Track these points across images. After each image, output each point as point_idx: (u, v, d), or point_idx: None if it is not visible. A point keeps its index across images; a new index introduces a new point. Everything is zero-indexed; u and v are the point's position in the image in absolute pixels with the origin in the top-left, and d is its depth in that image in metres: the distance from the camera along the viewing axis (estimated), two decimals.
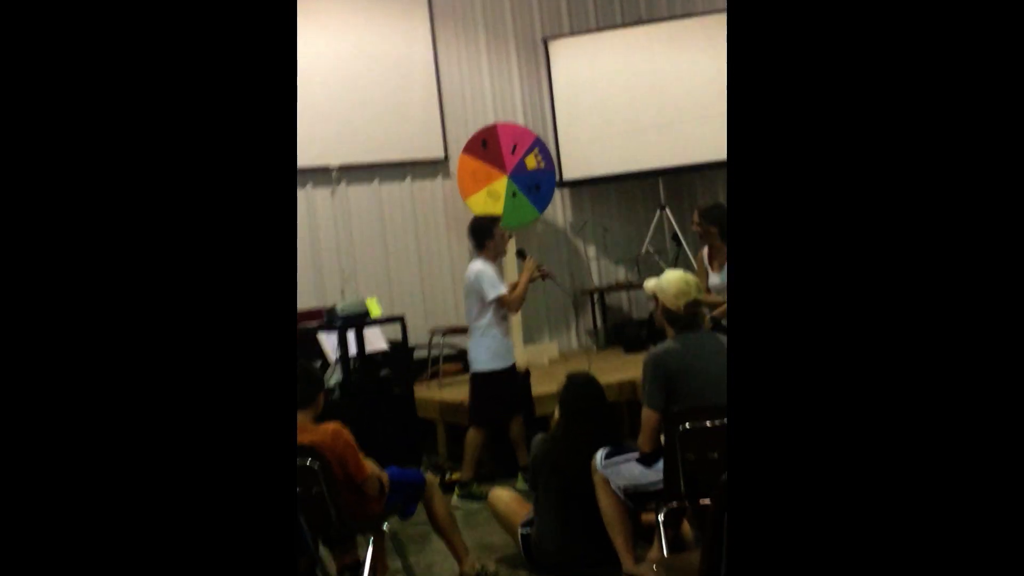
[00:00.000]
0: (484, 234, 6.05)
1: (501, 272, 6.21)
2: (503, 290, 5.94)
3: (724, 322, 5.59)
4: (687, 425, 3.77)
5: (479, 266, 5.99)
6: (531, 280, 6.17)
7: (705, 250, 5.91)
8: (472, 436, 6.02)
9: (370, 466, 4.00)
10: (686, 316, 4.07)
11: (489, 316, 5.94)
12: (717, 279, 5.72)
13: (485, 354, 5.98)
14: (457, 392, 7.40)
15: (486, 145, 8.80)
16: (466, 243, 9.16)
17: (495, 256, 6.09)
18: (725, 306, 5.54)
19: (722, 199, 6.07)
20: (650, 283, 4.23)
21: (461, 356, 8.59)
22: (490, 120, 9.18)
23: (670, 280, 4.14)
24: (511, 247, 6.49)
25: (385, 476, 4.08)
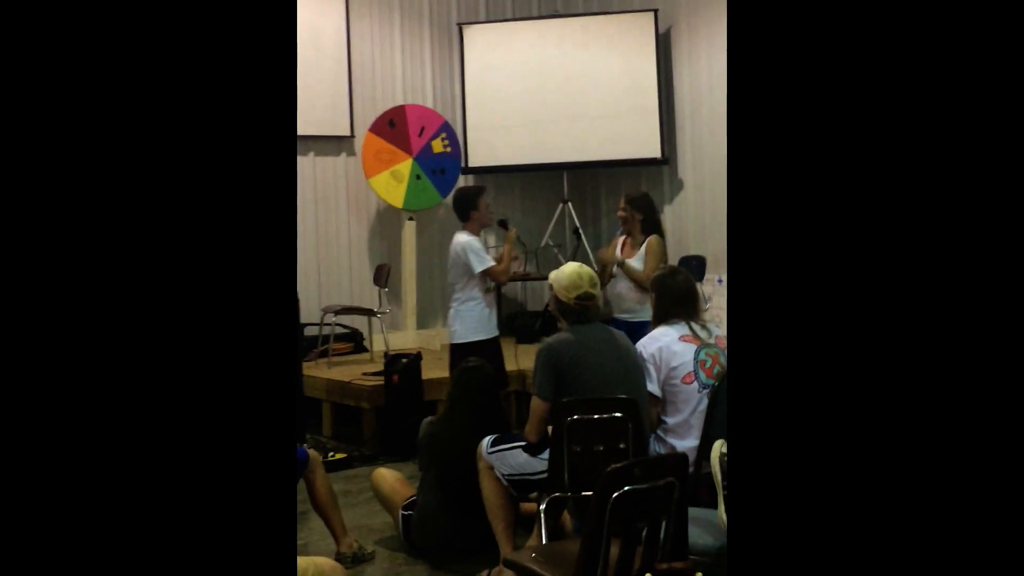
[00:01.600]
0: (468, 204, 5.92)
1: (485, 243, 6.07)
2: (491, 263, 5.83)
3: (615, 315, 5.68)
4: (575, 416, 3.79)
5: (464, 238, 5.85)
6: (512, 247, 6.10)
7: (622, 238, 5.96)
8: None
9: None
10: (577, 308, 4.09)
11: (471, 288, 5.83)
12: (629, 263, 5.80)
13: (464, 326, 5.85)
14: (346, 371, 7.34)
15: (393, 125, 8.73)
16: (365, 223, 9.12)
17: (479, 227, 5.95)
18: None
19: (623, 195, 6.12)
20: (552, 274, 4.26)
21: (353, 336, 8.53)
22: (399, 101, 9.10)
23: (565, 272, 4.17)
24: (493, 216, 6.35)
25: None
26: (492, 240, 7.85)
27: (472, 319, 5.84)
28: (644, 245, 5.78)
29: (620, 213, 5.95)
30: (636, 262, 5.77)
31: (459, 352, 5.77)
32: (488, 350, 5.82)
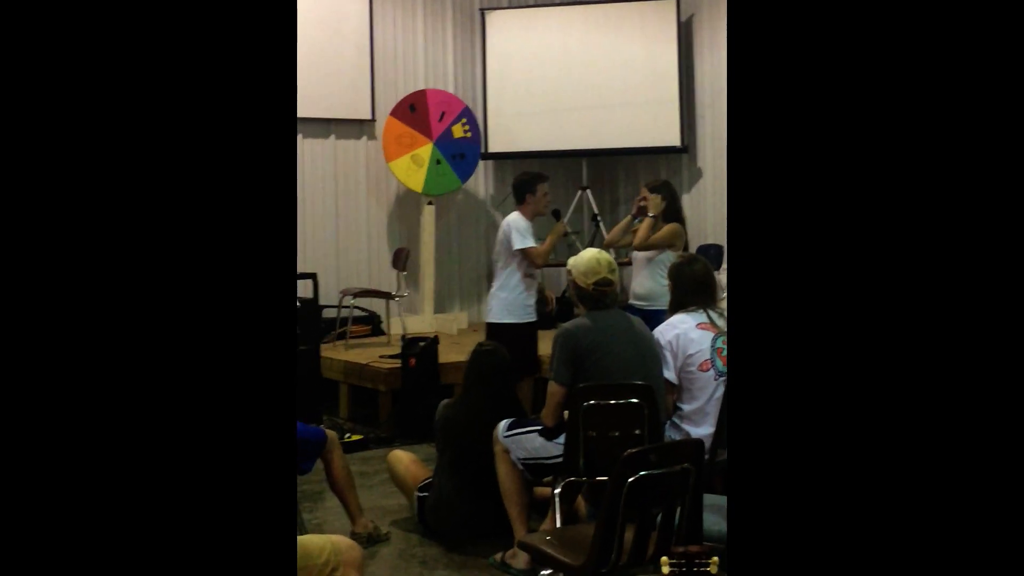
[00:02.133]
0: (525, 188, 5.93)
1: (533, 231, 5.99)
2: (531, 242, 5.81)
3: (632, 302, 5.67)
4: (591, 402, 3.80)
5: (513, 217, 5.88)
6: (558, 239, 6.09)
7: (643, 222, 5.93)
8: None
9: None
10: (595, 294, 4.10)
11: (511, 268, 5.83)
12: (644, 252, 5.78)
13: (499, 306, 5.86)
14: (363, 354, 7.38)
15: (414, 110, 8.74)
16: (385, 207, 9.13)
17: (533, 213, 5.93)
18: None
19: (644, 184, 6.09)
20: (570, 260, 4.27)
21: (370, 319, 8.56)
22: (420, 85, 9.11)
23: (583, 258, 4.18)
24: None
25: None
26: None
27: (507, 301, 5.83)
28: (666, 231, 5.74)
29: (641, 202, 5.91)
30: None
31: (492, 332, 5.77)
32: (522, 334, 5.81)
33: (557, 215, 6.43)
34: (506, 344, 5.68)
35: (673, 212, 5.85)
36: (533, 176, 6.06)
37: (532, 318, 5.92)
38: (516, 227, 5.81)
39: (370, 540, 4.44)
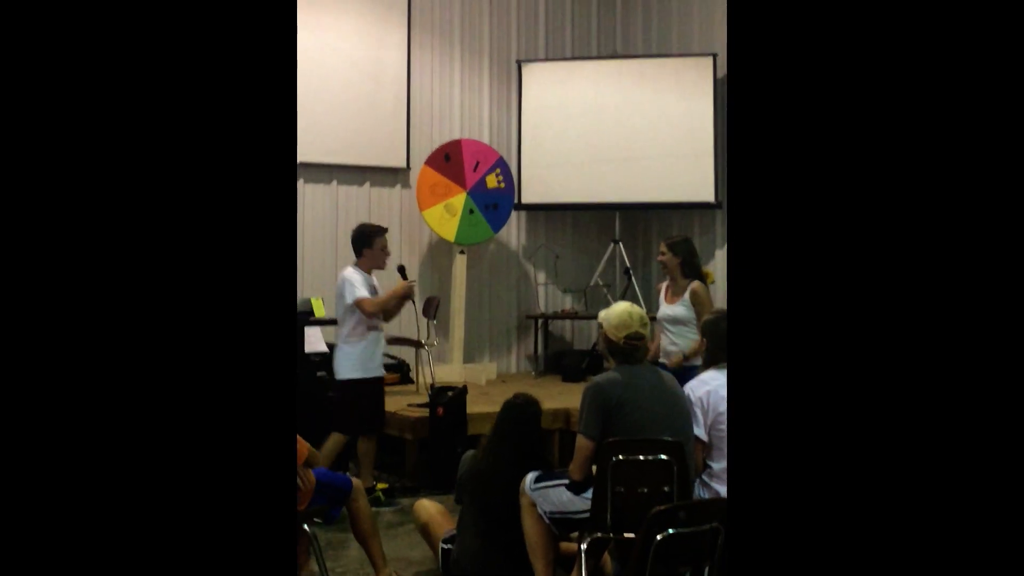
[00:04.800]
0: (363, 242, 5.94)
1: (377, 286, 6.01)
2: (362, 293, 5.78)
3: (661, 360, 5.65)
4: (620, 457, 3.77)
5: (348, 272, 5.88)
6: (401, 297, 6.03)
7: (666, 282, 5.96)
8: (360, 445, 5.98)
9: (303, 445, 4.01)
10: (626, 348, 4.08)
11: (350, 324, 5.84)
12: (668, 310, 5.78)
13: (346, 362, 5.88)
14: (391, 402, 7.34)
15: (449, 159, 8.79)
16: (417, 255, 9.16)
17: (370, 267, 5.95)
18: (655, 346, 5.66)
19: (664, 240, 6.13)
20: (601, 313, 4.26)
21: (400, 367, 8.55)
22: (456, 135, 9.17)
23: (615, 311, 4.17)
24: (391, 262, 6.26)
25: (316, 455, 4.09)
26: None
27: (352, 357, 5.82)
28: (688, 293, 5.75)
29: (660, 258, 5.95)
30: (680, 308, 5.74)
31: (338, 388, 5.73)
32: (370, 390, 5.83)
33: (402, 271, 6.39)
34: (354, 398, 5.68)
35: (692, 269, 5.85)
36: (372, 229, 6.07)
37: (380, 372, 5.93)
38: (350, 280, 5.79)
39: None
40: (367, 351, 5.89)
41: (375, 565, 4.45)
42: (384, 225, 8.85)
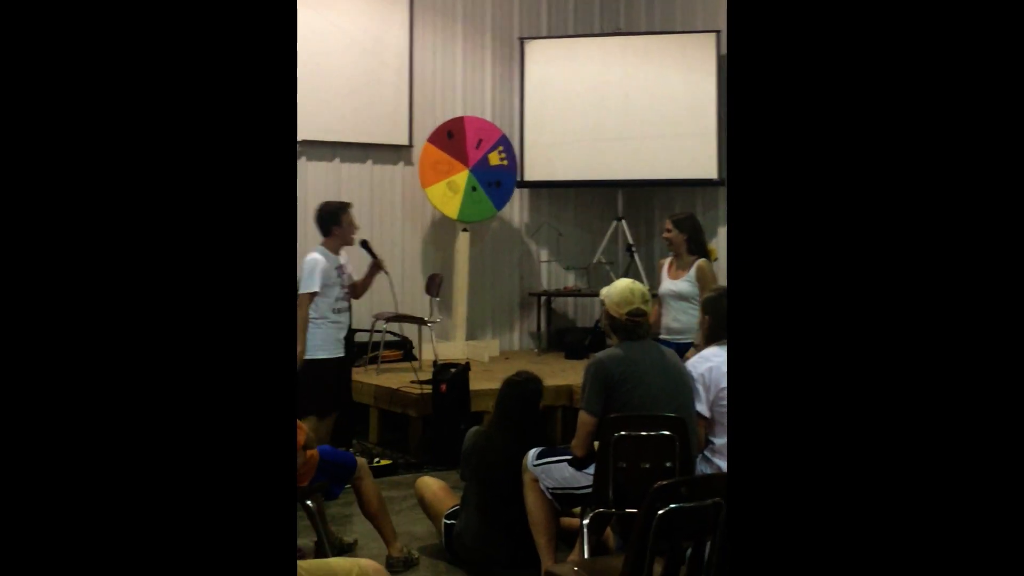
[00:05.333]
0: (332, 219, 5.74)
1: (345, 263, 5.86)
2: (315, 287, 5.58)
3: (661, 335, 5.66)
4: (622, 432, 3.79)
5: (312, 255, 5.68)
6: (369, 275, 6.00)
7: (669, 258, 5.97)
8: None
9: (301, 427, 4.01)
10: (628, 324, 4.09)
11: (319, 306, 5.66)
12: (672, 286, 5.79)
13: (312, 342, 5.68)
14: (394, 379, 7.39)
15: (451, 136, 8.79)
16: (420, 232, 9.17)
17: (339, 245, 5.77)
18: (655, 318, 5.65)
19: (669, 217, 6.13)
20: (603, 290, 4.27)
21: (402, 344, 8.58)
22: (458, 112, 9.16)
23: (617, 288, 4.18)
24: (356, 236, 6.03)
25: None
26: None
27: (318, 336, 5.67)
28: (694, 269, 5.76)
29: (666, 235, 5.95)
30: (685, 284, 5.75)
31: (305, 368, 5.55)
32: (331, 370, 5.72)
33: (365, 245, 6.20)
34: (315, 378, 5.59)
35: (697, 246, 5.86)
36: (337, 206, 5.89)
37: (341, 353, 5.82)
38: (304, 267, 5.59)
39: (406, 563, 4.47)
40: (332, 331, 5.75)
41: (386, 540, 4.48)
42: (386, 202, 8.94)
